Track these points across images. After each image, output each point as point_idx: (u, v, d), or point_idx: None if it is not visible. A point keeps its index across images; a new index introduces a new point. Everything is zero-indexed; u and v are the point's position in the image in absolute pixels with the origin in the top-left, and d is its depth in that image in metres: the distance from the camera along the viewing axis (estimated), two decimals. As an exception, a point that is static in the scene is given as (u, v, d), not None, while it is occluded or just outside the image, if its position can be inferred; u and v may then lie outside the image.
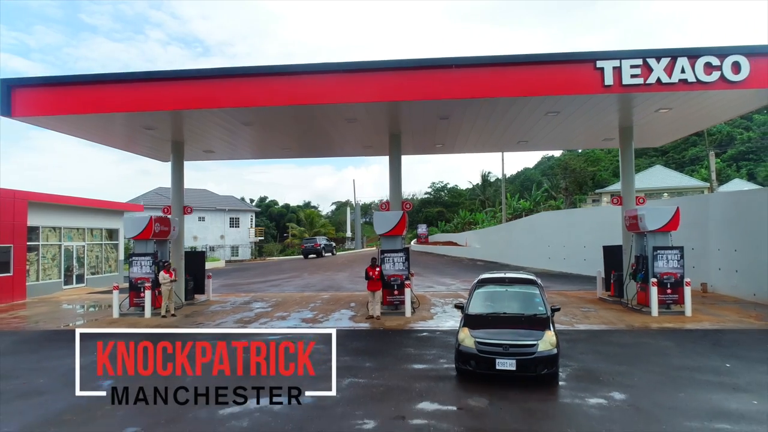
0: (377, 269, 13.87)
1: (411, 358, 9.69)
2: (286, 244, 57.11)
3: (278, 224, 76.77)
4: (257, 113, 14.16)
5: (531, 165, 76.99)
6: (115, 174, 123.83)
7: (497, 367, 7.47)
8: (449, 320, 13.37)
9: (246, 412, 6.63)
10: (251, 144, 18.56)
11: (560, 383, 7.84)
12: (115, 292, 14.90)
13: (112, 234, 26.51)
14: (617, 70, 12.18)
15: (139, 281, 15.04)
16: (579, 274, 25.35)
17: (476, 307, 8.92)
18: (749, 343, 10.54)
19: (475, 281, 9.77)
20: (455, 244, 55.00)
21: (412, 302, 14.64)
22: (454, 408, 6.89)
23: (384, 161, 27.61)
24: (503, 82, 12.71)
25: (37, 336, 12.76)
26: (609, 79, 12.20)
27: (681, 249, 14.07)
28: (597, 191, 60.01)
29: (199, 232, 50.58)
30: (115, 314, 14.71)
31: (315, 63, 15.85)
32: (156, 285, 14.79)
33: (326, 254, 52.70)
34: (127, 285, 15.78)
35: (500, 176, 62.94)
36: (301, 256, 51.57)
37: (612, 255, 17.23)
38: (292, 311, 15.64)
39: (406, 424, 6.28)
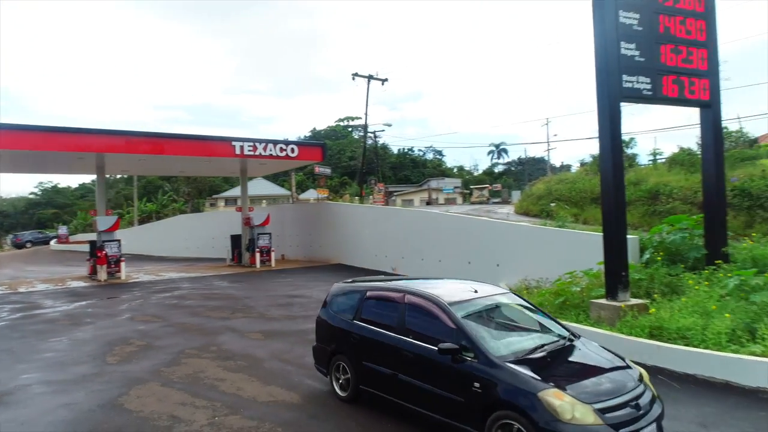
0: (104, 252, 22.81)
1: (132, 288, 20.17)
2: None
3: None
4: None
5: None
6: None
7: None
8: (142, 276, 24.18)
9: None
10: None
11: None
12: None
13: None
14: (242, 147, 24.71)
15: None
16: (210, 257, 37.35)
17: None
18: (297, 272, 24.95)
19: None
20: (93, 242, 59.12)
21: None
22: (173, 295, 18.26)
23: None
24: (192, 148, 23.77)
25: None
26: (238, 151, 24.48)
27: (270, 234, 28.05)
28: (214, 196, 73.81)
29: None
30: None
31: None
32: None
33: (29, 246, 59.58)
34: None
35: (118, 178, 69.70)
36: None
37: (235, 239, 30.11)
38: (36, 284, 22.59)
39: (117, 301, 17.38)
